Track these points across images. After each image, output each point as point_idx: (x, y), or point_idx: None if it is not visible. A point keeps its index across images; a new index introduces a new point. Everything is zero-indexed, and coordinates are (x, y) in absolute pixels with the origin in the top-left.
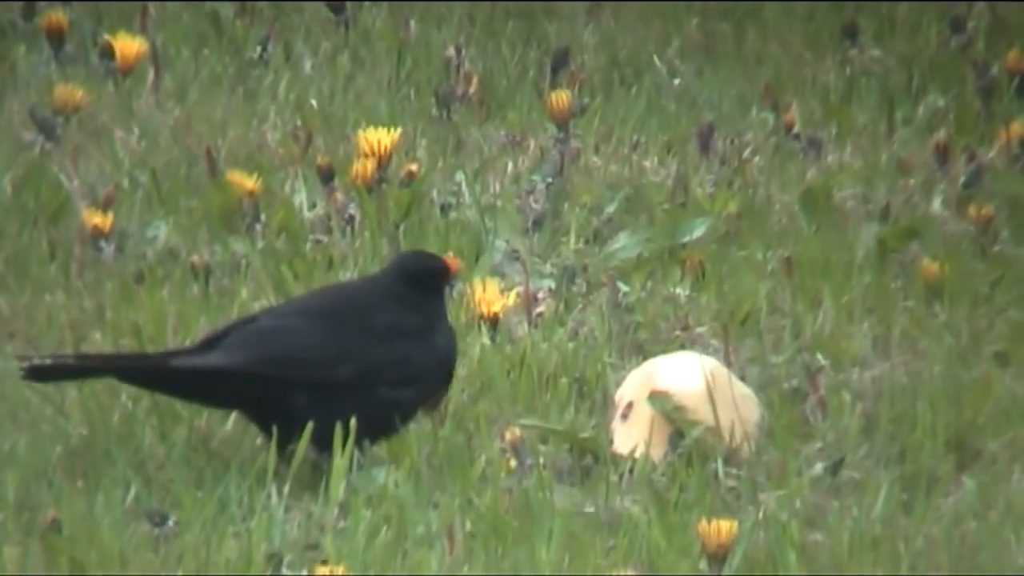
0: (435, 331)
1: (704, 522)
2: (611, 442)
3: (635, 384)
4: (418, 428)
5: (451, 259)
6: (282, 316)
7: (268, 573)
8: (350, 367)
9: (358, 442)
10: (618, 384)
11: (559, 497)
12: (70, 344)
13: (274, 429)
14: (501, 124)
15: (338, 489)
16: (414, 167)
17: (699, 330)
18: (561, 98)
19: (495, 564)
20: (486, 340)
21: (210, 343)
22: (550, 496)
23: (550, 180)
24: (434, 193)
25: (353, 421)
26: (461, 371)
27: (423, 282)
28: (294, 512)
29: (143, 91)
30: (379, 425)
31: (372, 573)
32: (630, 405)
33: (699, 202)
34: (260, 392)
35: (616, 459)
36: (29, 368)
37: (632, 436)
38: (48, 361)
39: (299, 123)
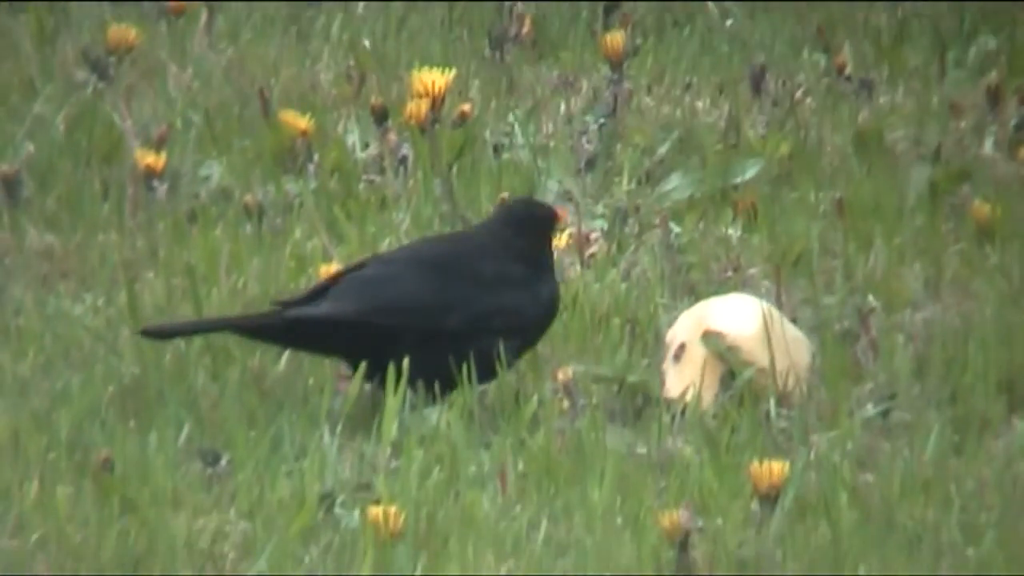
0: (541, 281)
1: (756, 463)
2: (663, 383)
3: (687, 325)
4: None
5: (559, 208)
6: (391, 264)
7: (321, 512)
8: (458, 316)
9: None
10: (669, 325)
11: (611, 438)
12: (122, 284)
13: (387, 374)
14: (554, 65)
15: (390, 429)
16: (467, 108)
17: (751, 271)
18: (615, 39)
19: (547, 505)
20: None
21: (320, 292)
22: (602, 437)
23: (602, 121)
24: (487, 134)
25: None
26: None
27: (531, 230)
28: (346, 452)
29: (196, 31)
30: (484, 372)
31: (424, 513)
32: (682, 346)
33: (751, 144)
34: (370, 340)
35: (668, 401)
36: (147, 329)
37: (684, 377)
38: (166, 323)
39: (352, 63)
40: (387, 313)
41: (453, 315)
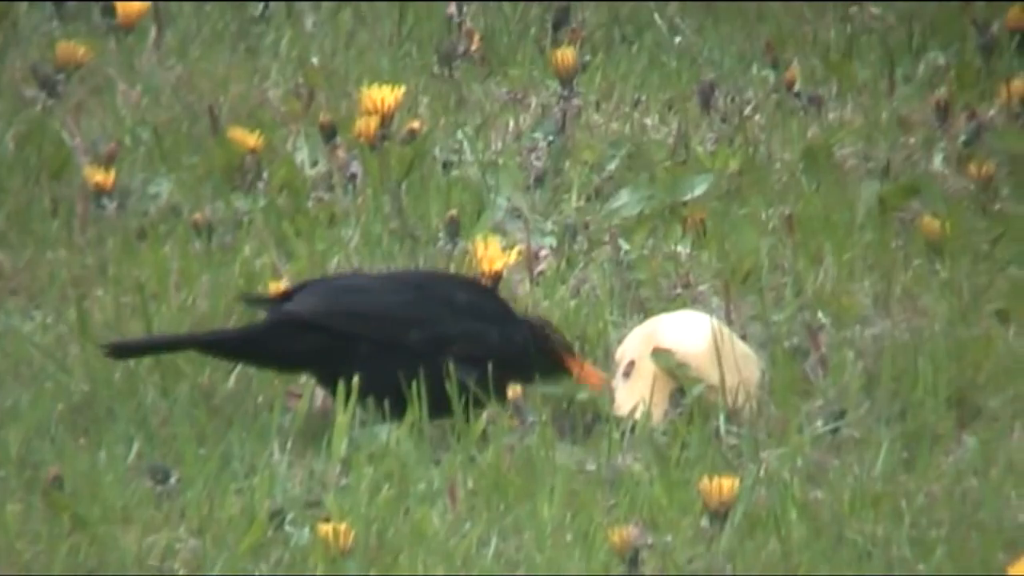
0: (514, 327)
1: (706, 480)
2: (612, 400)
3: (637, 342)
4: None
5: (591, 372)
6: (364, 277)
7: (271, 529)
8: (422, 332)
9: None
10: (619, 342)
11: (561, 455)
12: (72, 301)
13: (339, 385)
14: (503, 81)
15: (340, 446)
16: (416, 124)
17: (700, 288)
18: (566, 55)
19: (497, 521)
20: None
21: (285, 296)
22: (552, 454)
23: (551, 138)
24: (436, 150)
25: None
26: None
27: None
28: (296, 469)
29: (145, 48)
30: (438, 398)
31: (374, 529)
32: (632, 364)
33: (700, 159)
34: (331, 347)
35: (618, 418)
36: (111, 347)
37: (634, 394)
38: (130, 340)
39: (301, 80)
40: (349, 318)
41: (415, 331)
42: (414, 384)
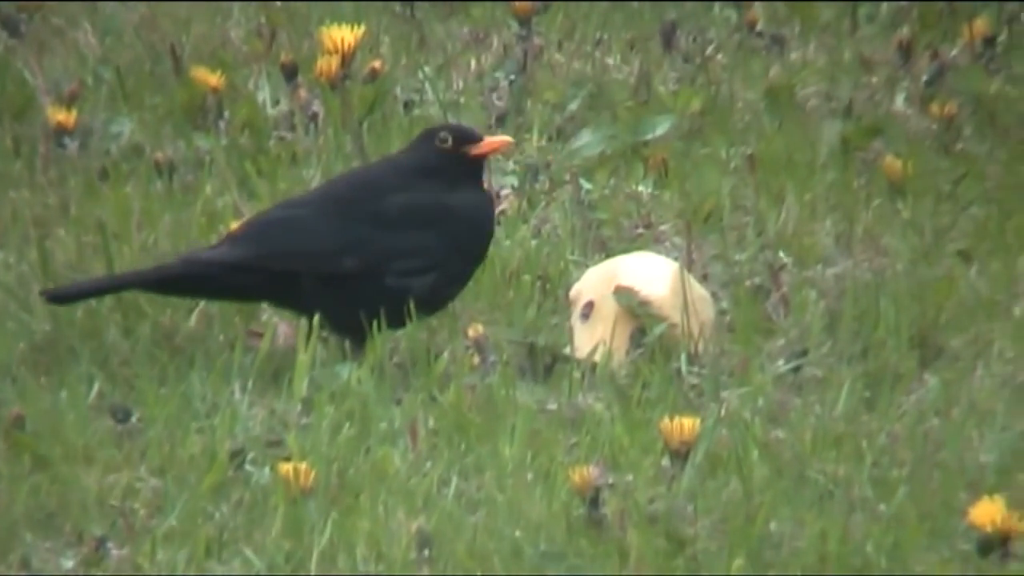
0: (458, 212)
1: (667, 419)
2: (570, 341)
3: (594, 283)
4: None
5: (499, 138)
6: (292, 206)
7: (231, 469)
8: (355, 258)
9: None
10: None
11: (522, 394)
12: (33, 240)
13: (300, 322)
14: (464, 21)
15: (301, 386)
16: (377, 64)
17: (662, 227)
18: None
19: (458, 461)
20: None
21: (226, 239)
22: (513, 393)
23: (513, 77)
24: (397, 90)
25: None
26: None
27: (443, 154)
28: (257, 408)
29: None
30: (392, 315)
31: (335, 469)
32: (590, 304)
33: (662, 99)
34: (272, 284)
35: (577, 359)
36: (51, 293)
37: (594, 336)
38: (68, 285)
39: (263, 20)
40: (282, 257)
41: (350, 257)
42: (370, 310)
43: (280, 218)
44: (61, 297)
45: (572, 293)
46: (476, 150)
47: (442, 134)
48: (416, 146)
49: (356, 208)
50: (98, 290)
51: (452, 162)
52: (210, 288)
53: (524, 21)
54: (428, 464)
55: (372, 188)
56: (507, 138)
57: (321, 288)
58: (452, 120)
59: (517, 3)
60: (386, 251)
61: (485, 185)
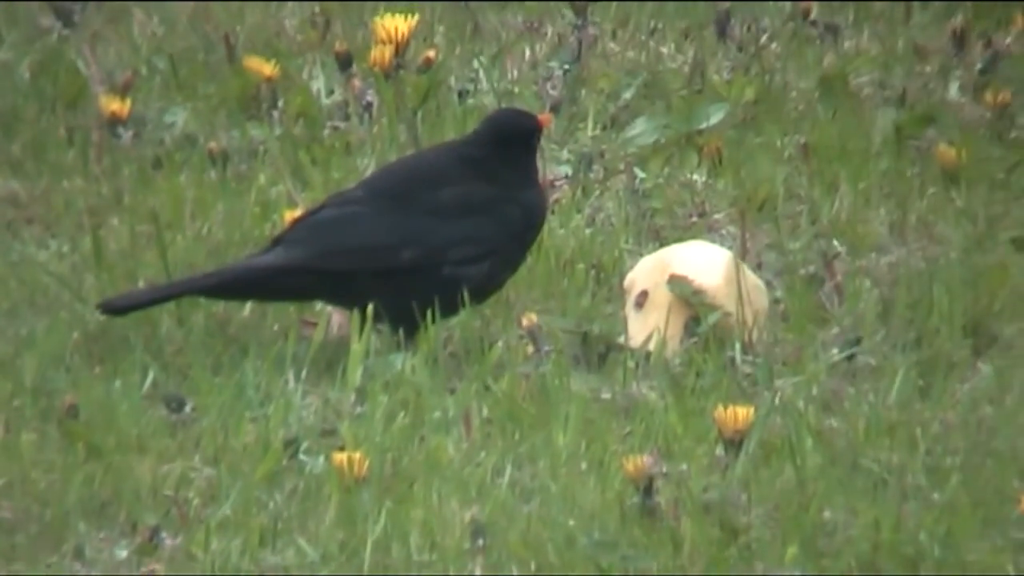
0: (513, 198)
1: (720, 408)
2: (625, 330)
3: (648, 272)
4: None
5: (543, 116)
6: (345, 203)
7: (285, 458)
8: (412, 251)
9: (422, 321)
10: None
11: (576, 383)
12: (87, 230)
13: (354, 313)
14: (519, 10)
15: (355, 375)
16: (432, 53)
17: (716, 216)
18: None
19: (512, 450)
20: None
21: (278, 241)
22: (567, 382)
23: (567, 66)
24: (452, 79)
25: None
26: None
27: (512, 142)
28: (311, 398)
29: None
30: (446, 304)
31: (389, 458)
32: (644, 293)
33: (716, 88)
34: (326, 285)
35: (631, 348)
36: (107, 304)
37: (647, 325)
38: (123, 295)
39: (317, 9)
40: (338, 256)
41: (406, 252)
42: (425, 302)
43: (333, 217)
44: (117, 308)
45: (626, 282)
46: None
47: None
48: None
49: (410, 200)
50: (153, 299)
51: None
52: (264, 291)
53: (579, 11)
54: (482, 453)
55: (426, 179)
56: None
57: (377, 282)
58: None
59: None
60: (443, 241)
61: (539, 174)
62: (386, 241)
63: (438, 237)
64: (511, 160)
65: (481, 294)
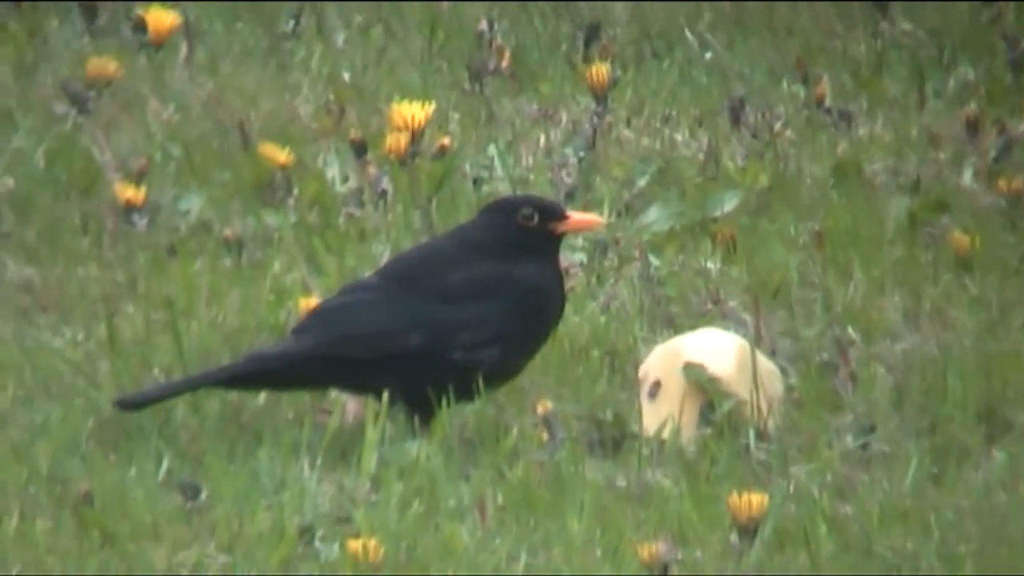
0: (521, 280)
1: (735, 495)
2: (639, 420)
3: (660, 361)
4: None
5: (589, 217)
6: (353, 291)
7: (300, 545)
8: (420, 336)
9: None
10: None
11: (590, 470)
12: (102, 317)
13: (368, 400)
14: (533, 97)
15: (370, 462)
16: (446, 140)
17: (730, 303)
18: (600, 70)
19: (526, 537)
20: None
21: (291, 333)
22: (581, 469)
23: (582, 153)
24: (466, 166)
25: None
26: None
27: (537, 232)
28: (326, 485)
29: (176, 64)
30: (460, 390)
31: (404, 545)
32: (657, 383)
33: (730, 175)
34: (339, 370)
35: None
36: (122, 400)
37: (661, 414)
38: (139, 392)
39: (331, 96)
40: (347, 343)
41: (414, 337)
42: (439, 386)
43: (342, 304)
44: (132, 403)
45: (640, 373)
46: (563, 226)
47: (526, 210)
48: (490, 220)
49: (420, 285)
50: (167, 394)
51: (533, 238)
52: (279, 381)
53: (597, 97)
54: (496, 540)
55: (437, 264)
56: (597, 218)
57: (389, 368)
58: (524, 193)
59: (590, 79)
60: (451, 325)
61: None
62: (394, 326)
63: (446, 322)
64: (523, 247)
65: (497, 379)
